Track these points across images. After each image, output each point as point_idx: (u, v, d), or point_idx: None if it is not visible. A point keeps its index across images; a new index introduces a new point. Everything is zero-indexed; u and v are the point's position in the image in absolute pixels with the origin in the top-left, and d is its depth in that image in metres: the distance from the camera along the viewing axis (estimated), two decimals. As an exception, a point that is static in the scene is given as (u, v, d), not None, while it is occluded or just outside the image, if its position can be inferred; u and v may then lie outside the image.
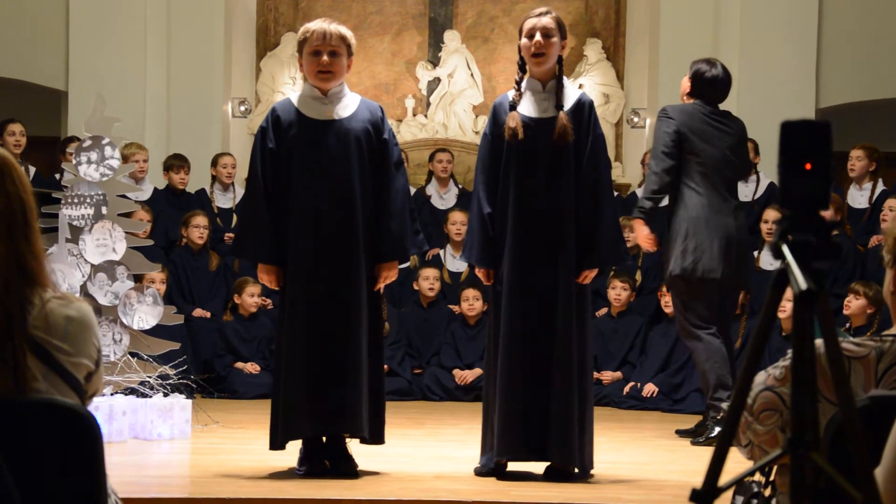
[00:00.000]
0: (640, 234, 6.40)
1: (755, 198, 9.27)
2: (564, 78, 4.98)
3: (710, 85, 6.36)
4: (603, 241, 4.88)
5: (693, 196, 6.21)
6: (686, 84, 6.44)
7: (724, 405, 5.91)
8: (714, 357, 6.09)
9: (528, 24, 4.92)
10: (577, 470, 4.79)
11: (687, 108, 6.34)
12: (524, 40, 4.91)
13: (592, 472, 4.85)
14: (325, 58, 4.85)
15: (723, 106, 6.44)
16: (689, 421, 6.56)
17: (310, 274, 4.82)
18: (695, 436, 6.28)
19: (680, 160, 6.23)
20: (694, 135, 6.24)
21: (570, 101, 4.92)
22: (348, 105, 4.94)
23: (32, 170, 9.40)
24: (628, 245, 8.69)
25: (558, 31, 4.92)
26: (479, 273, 5.00)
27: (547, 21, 4.90)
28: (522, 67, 4.97)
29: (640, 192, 6.38)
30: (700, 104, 6.36)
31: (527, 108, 4.93)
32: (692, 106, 6.35)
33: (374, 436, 4.88)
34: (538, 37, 4.87)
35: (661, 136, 6.26)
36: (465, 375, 8.36)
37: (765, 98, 9.98)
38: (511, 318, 4.82)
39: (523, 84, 4.97)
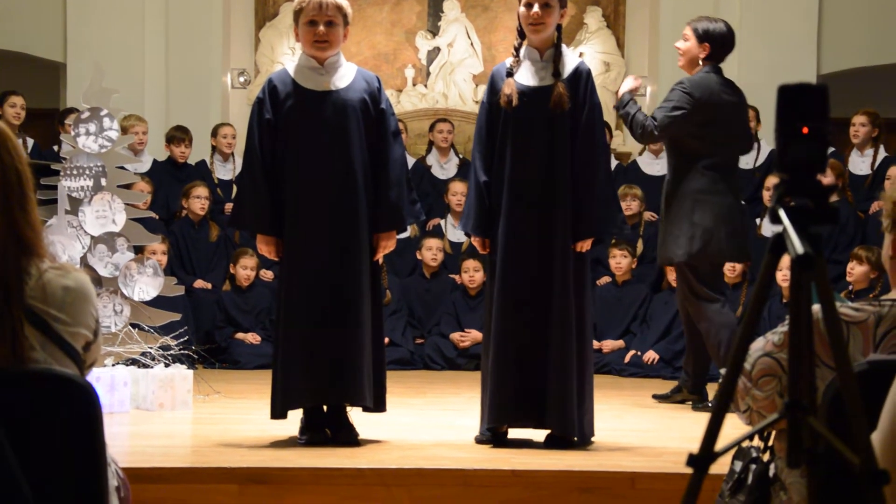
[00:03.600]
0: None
1: (756, 165, 9.26)
2: (564, 46, 4.95)
3: (727, 41, 6.20)
4: (597, 211, 4.86)
5: (699, 173, 6.10)
6: (699, 49, 6.18)
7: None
8: (726, 330, 6.03)
9: None
10: (576, 438, 4.81)
11: (704, 81, 6.13)
12: (522, 9, 4.87)
13: (594, 439, 4.86)
14: (321, 28, 4.83)
15: (722, 72, 6.35)
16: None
17: (309, 244, 4.82)
18: (669, 400, 6.40)
19: (682, 136, 6.11)
20: (712, 111, 6.09)
21: (568, 69, 4.89)
22: (345, 75, 4.92)
23: (31, 142, 9.39)
24: (630, 213, 8.78)
25: (557, 0, 4.88)
26: (476, 242, 4.98)
27: None
28: (521, 34, 4.95)
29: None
30: (711, 70, 6.18)
31: (524, 76, 4.90)
32: (707, 76, 6.15)
33: (376, 404, 4.89)
34: (536, 8, 4.83)
35: (672, 107, 6.07)
36: (464, 338, 8.37)
37: (766, 64, 9.94)
38: (504, 286, 4.81)
39: (521, 52, 4.94)
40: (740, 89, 6.36)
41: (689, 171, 6.14)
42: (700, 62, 6.23)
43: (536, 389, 4.78)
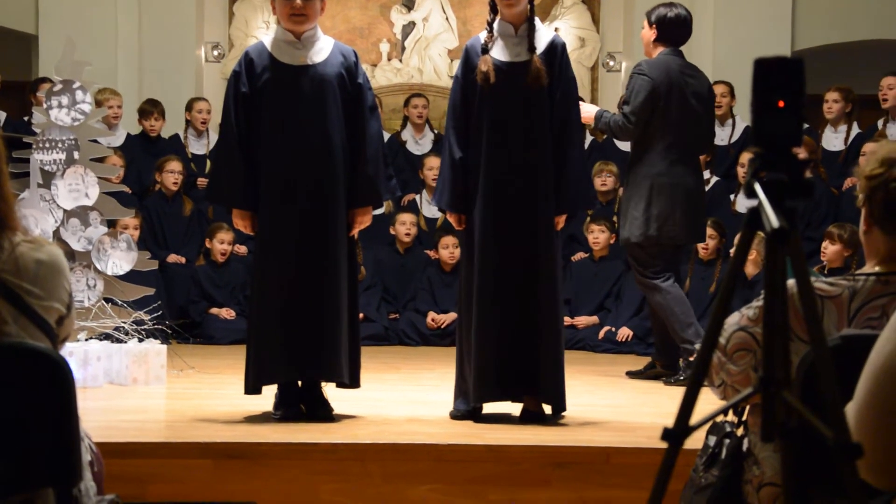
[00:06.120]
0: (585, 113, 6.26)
1: (731, 142, 9.28)
2: (537, 19, 4.92)
3: (676, 25, 6.32)
4: (572, 186, 4.87)
5: (657, 155, 6.21)
6: (650, 33, 6.35)
7: (697, 345, 5.98)
8: (677, 304, 6.17)
9: None
10: (549, 410, 4.83)
11: (662, 62, 6.26)
12: None
13: (564, 413, 4.88)
14: (298, 1, 4.80)
15: (697, 48, 6.41)
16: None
17: (284, 219, 4.80)
18: (642, 376, 6.46)
19: (649, 120, 6.19)
20: (669, 92, 6.20)
21: (542, 43, 4.87)
22: (322, 49, 4.90)
23: (3, 115, 9.31)
24: (605, 189, 8.80)
25: None
26: (451, 218, 4.96)
27: None
28: (494, 8, 4.92)
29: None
30: (670, 53, 6.30)
31: (499, 52, 4.88)
32: (665, 58, 6.28)
33: (350, 380, 4.88)
34: None
35: (636, 94, 6.19)
36: (440, 318, 8.37)
37: (740, 40, 9.95)
38: (485, 264, 4.80)
39: (495, 27, 4.92)
40: (705, 75, 6.46)
41: (648, 151, 6.24)
42: (653, 45, 6.35)
43: (522, 367, 4.78)
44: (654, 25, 6.33)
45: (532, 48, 4.84)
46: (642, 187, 6.21)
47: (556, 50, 4.88)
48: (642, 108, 6.17)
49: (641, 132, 6.24)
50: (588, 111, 6.34)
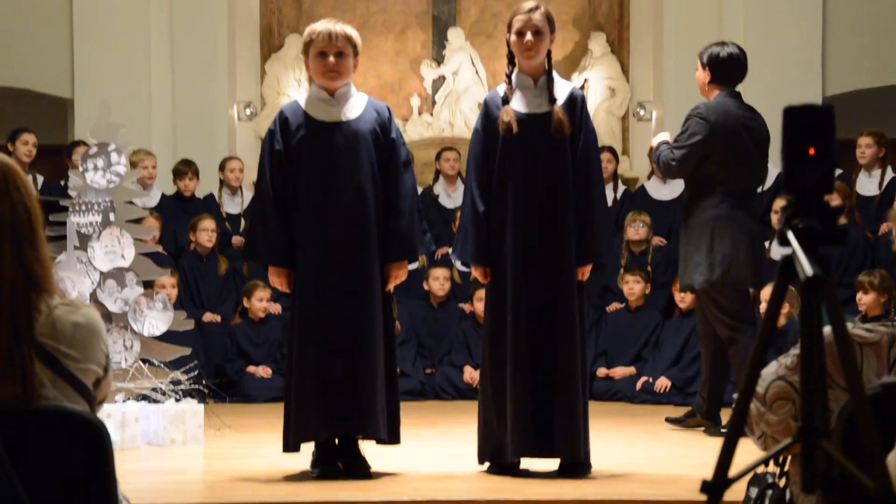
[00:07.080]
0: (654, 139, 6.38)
1: (765, 189, 9.23)
2: (554, 72, 4.95)
3: (729, 64, 6.17)
4: (595, 237, 4.86)
5: (717, 199, 6.05)
6: (704, 75, 6.21)
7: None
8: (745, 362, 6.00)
9: (518, 20, 4.87)
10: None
11: (720, 105, 6.11)
12: (514, 37, 4.88)
13: (591, 466, 4.82)
14: (332, 59, 4.85)
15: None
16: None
17: (320, 275, 4.81)
18: (683, 424, 6.35)
19: (703, 163, 6.08)
20: (727, 135, 6.05)
21: (562, 95, 4.89)
22: (355, 105, 4.94)
23: (40, 179, 9.41)
24: (638, 238, 8.78)
25: (548, 26, 4.89)
26: (476, 272, 4.96)
27: (537, 18, 4.86)
28: (512, 61, 4.95)
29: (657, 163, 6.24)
30: (727, 95, 6.17)
31: (519, 103, 4.89)
32: (724, 100, 6.14)
33: (390, 436, 4.86)
34: (529, 36, 4.84)
35: (689, 135, 6.07)
36: (475, 375, 8.33)
37: (771, 87, 9.92)
38: (517, 316, 4.78)
39: (513, 79, 4.94)
40: (761, 116, 6.28)
41: (707, 196, 6.08)
42: (708, 87, 6.23)
43: (549, 420, 4.74)
44: (706, 67, 6.19)
45: (552, 100, 4.86)
46: (703, 232, 6.04)
47: (577, 102, 4.90)
48: (692, 150, 6.05)
49: (693, 173, 6.12)
50: (655, 139, 6.34)
